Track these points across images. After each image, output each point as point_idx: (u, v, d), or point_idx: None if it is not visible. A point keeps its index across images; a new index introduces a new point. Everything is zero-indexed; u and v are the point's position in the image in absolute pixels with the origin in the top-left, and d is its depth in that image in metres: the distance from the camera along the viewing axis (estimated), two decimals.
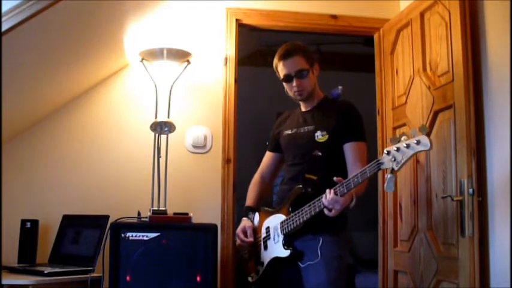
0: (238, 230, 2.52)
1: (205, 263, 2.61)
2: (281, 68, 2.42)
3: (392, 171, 1.96)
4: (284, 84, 2.45)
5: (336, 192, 2.09)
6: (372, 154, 2.43)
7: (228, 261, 3.10)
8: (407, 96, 2.96)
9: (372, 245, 3.43)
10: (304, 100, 2.47)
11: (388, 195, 3.15)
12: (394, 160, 1.95)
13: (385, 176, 2.01)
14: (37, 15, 2.21)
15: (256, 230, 2.49)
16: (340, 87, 2.64)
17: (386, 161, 1.98)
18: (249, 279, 2.48)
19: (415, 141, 1.92)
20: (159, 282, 2.58)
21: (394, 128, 3.12)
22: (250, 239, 2.46)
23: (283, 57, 2.40)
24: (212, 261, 2.63)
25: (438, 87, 2.67)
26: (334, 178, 2.10)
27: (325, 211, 2.13)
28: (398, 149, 1.95)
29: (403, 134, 2.01)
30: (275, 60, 2.45)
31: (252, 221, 2.52)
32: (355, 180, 2.06)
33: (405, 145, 1.94)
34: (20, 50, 2.45)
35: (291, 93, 2.45)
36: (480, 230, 2.35)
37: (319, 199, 2.16)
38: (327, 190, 2.11)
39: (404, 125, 3.00)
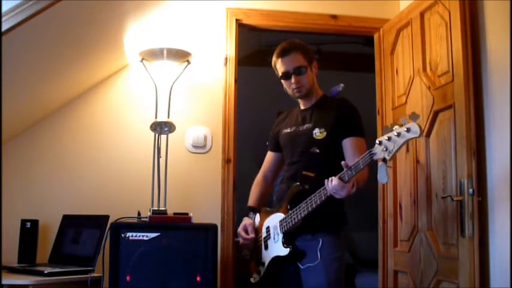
0: (240, 228, 2.51)
1: (205, 263, 2.61)
2: (279, 65, 2.42)
3: (385, 160, 1.95)
4: (282, 81, 2.45)
5: (341, 178, 2.06)
6: None
7: (228, 261, 3.10)
8: (407, 96, 2.96)
9: (372, 245, 3.43)
10: (302, 97, 2.47)
11: (388, 195, 3.15)
12: (386, 150, 1.95)
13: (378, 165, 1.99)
14: (37, 15, 2.21)
15: (257, 230, 2.48)
16: (341, 84, 2.64)
17: (379, 151, 1.97)
18: (251, 280, 2.47)
19: (406, 129, 1.91)
20: (159, 282, 2.58)
21: None
22: (252, 235, 2.46)
23: (282, 54, 2.41)
24: (212, 261, 2.63)
25: (438, 87, 2.67)
26: (342, 162, 2.08)
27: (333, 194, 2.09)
28: (389, 139, 1.94)
29: (395, 123, 1.99)
30: (273, 58, 2.45)
31: (253, 221, 2.52)
32: (349, 173, 2.05)
33: (396, 134, 1.93)
34: (20, 50, 2.45)
35: (289, 91, 2.45)
36: (480, 230, 2.35)
37: (316, 195, 2.15)
38: (332, 177, 2.08)
39: None
